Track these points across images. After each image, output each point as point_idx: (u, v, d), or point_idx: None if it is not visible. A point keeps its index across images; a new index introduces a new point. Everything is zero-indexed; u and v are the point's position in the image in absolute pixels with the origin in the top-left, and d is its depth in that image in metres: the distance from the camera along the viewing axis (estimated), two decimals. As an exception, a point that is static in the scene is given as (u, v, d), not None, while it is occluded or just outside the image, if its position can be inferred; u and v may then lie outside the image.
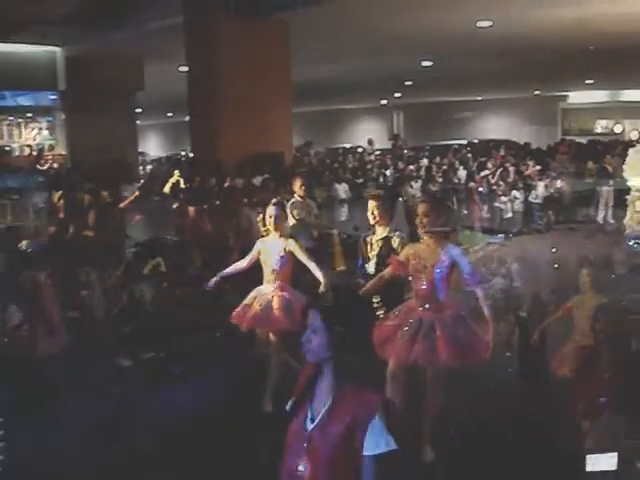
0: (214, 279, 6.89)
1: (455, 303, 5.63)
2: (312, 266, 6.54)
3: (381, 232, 6.56)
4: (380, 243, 6.52)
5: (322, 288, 6.29)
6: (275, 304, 6.54)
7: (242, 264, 6.87)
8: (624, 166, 14.68)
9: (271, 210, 6.68)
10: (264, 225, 6.81)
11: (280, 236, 6.67)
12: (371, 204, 6.58)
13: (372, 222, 6.61)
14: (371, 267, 6.48)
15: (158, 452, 6.03)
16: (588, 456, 4.17)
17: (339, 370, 2.76)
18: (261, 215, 7.33)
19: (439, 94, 33.51)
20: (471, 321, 5.51)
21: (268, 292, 6.66)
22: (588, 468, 4.13)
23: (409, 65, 22.30)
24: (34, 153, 21.60)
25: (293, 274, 6.83)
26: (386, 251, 6.34)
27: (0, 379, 6.80)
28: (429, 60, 21.58)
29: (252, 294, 6.76)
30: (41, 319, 7.21)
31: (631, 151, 14.24)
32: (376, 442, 2.60)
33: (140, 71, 21.68)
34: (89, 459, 5.91)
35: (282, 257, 6.61)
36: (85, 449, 6.11)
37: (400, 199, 12.13)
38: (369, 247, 6.60)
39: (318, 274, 6.45)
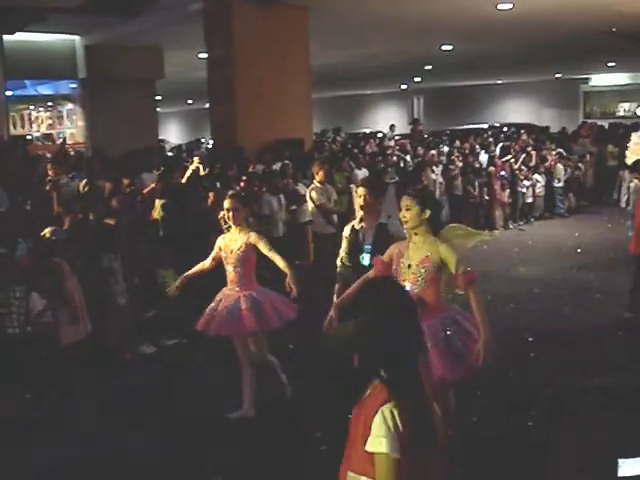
0: (177, 281, 6.53)
1: (445, 306, 5.07)
2: (277, 259, 6.20)
3: (372, 220, 6.10)
4: (373, 231, 6.07)
5: (288, 280, 6.06)
6: (242, 305, 6.20)
7: (206, 263, 6.51)
8: (627, 152, 14.38)
9: (227, 203, 6.30)
10: (224, 222, 6.41)
11: (240, 231, 6.31)
12: (361, 190, 6.12)
13: (361, 210, 6.14)
14: (366, 259, 5.97)
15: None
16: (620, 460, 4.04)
17: None
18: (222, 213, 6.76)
19: (459, 78, 33.29)
20: (465, 321, 4.99)
21: (232, 293, 6.32)
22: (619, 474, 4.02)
23: (429, 49, 22.16)
24: (58, 142, 21.72)
25: (257, 270, 6.44)
26: (382, 239, 5.83)
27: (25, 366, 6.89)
28: (449, 44, 21.42)
29: (217, 297, 6.42)
30: (64, 307, 7.28)
31: (634, 136, 13.79)
32: (371, 441, 2.57)
33: (160, 59, 21.67)
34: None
35: (243, 252, 6.24)
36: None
37: (391, 184, 11.69)
38: (361, 236, 6.14)
39: (284, 266, 6.15)
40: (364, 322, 2.71)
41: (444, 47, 21.82)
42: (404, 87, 36.53)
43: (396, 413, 2.56)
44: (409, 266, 4.96)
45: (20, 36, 19.11)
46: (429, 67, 27.57)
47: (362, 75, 29.12)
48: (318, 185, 11.05)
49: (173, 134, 46.78)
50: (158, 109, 26.08)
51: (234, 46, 14.62)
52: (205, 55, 16.02)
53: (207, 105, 17.00)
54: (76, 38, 21.54)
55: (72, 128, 23.68)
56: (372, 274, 5.20)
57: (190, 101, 40.13)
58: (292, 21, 15.31)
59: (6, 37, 17.85)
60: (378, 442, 2.55)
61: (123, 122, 20.34)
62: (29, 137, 22.27)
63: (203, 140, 35.51)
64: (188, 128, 48.66)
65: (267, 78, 14.79)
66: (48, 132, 24.16)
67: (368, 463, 2.59)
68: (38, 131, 24.23)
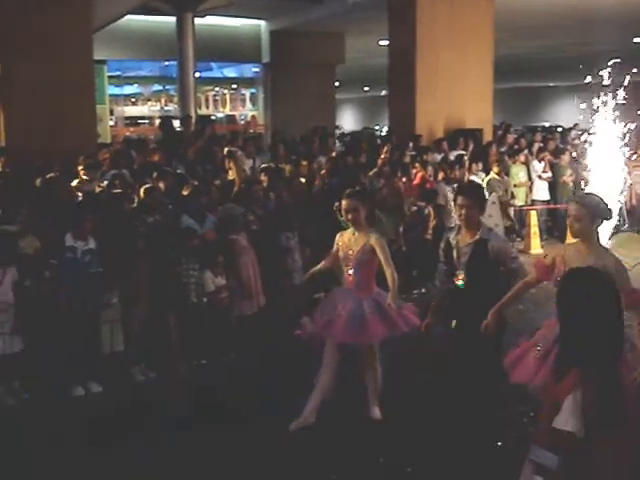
0: (306, 277, 6.42)
1: None
2: (388, 272, 5.59)
3: (470, 235, 5.50)
4: (472, 247, 5.46)
5: (388, 300, 5.54)
6: (367, 309, 5.65)
7: (327, 260, 6.12)
8: None
9: (344, 202, 5.79)
10: (345, 218, 5.84)
11: (359, 230, 5.78)
12: (461, 200, 5.52)
13: (460, 222, 5.60)
14: (460, 278, 5.48)
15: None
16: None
17: None
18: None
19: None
20: None
21: (351, 296, 5.77)
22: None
23: (619, 41, 21.16)
24: (240, 123, 22.56)
25: (376, 273, 5.85)
26: (481, 258, 5.38)
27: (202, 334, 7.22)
28: (641, 36, 20.40)
29: (330, 299, 5.98)
30: (239, 282, 7.56)
31: None
32: (559, 419, 2.75)
33: (341, 44, 21.97)
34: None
35: (363, 255, 5.71)
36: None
37: (493, 193, 10.91)
38: (455, 252, 5.56)
39: (391, 283, 5.57)
40: (573, 312, 2.84)
41: (636, 39, 20.77)
42: (589, 80, 35.09)
43: (589, 396, 2.72)
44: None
45: (210, 20, 19.98)
46: (617, 60, 26.31)
47: (544, 67, 28.27)
48: (495, 177, 10.84)
49: (348, 121, 47.28)
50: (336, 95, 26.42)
51: (417, 34, 14.55)
52: (386, 42, 16.05)
53: (383, 92, 17.06)
54: (262, 23, 22.23)
55: (254, 110, 24.48)
56: (532, 278, 5.00)
57: (366, 88, 40.41)
58: (478, 10, 15.05)
59: (197, 20, 18.69)
60: (565, 421, 2.74)
61: (302, 106, 20.79)
62: (213, 118, 23.20)
63: (377, 127, 35.68)
64: (363, 115, 49.05)
65: (449, 67, 14.62)
66: (231, 113, 25.10)
67: (554, 439, 2.77)
68: (222, 112, 25.23)
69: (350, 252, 5.77)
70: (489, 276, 5.40)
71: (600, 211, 4.70)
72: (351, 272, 5.79)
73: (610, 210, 4.75)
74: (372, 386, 6.00)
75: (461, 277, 5.49)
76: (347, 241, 5.84)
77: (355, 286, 5.79)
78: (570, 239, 5.17)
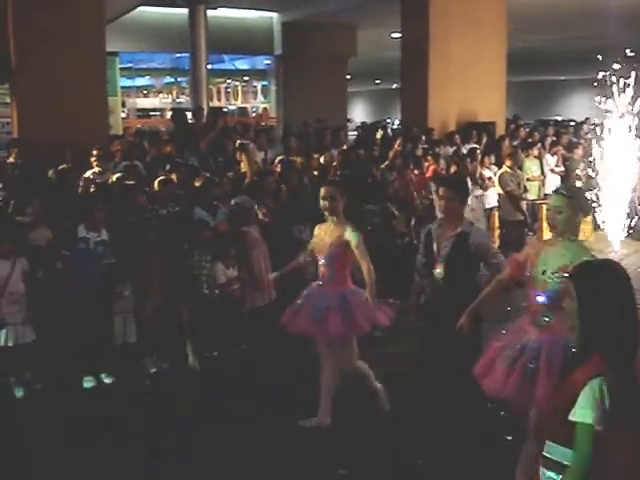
0: (285, 271, 6.17)
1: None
2: (364, 266, 5.42)
3: (451, 228, 5.38)
4: (453, 240, 5.33)
5: (366, 295, 5.38)
6: (330, 304, 5.49)
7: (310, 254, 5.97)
8: None
9: (322, 191, 5.60)
10: (322, 206, 5.65)
11: (336, 222, 5.58)
12: (443, 192, 5.40)
13: (442, 215, 5.54)
14: (439, 271, 5.33)
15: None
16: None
17: None
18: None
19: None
20: None
21: (320, 289, 5.66)
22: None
23: (631, 36, 21.03)
24: (252, 116, 22.57)
25: (352, 269, 5.70)
26: (461, 251, 5.25)
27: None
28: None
29: (305, 292, 5.78)
30: (251, 274, 7.55)
31: None
32: (576, 411, 2.67)
33: (353, 37, 21.92)
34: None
35: (335, 247, 5.52)
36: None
37: (476, 189, 10.77)
38: (435, 245, 5.43)
39: (368, 278, 5.39)
40: (589, 303, 2.79)
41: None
42: (603, 73, 34.90)
43: (605, 388, 2.65)
44: (543, 272, 4.30)
45: (222, 12, 19.96)
46: (632, 53, 26.17)
47: (557, 60, 28.13)
48: (508, 170, 10.79)
49: (359, 113, 47.18)
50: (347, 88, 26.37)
51: (430, 27, 14.50)
52: (398, 35, 15.98)
53: (395, 85, 16.99)
54: (274, 15, 22.17)
55: (265, 103, 24.46)
56: (505, 275, 4.77)
57: (378, 81, 40.31)
58: (490, 4, 14.98)
59: (210, 12, 18.66)
60: (583, 413, 2.65)
61: (314, 99, 20.73)
62: (225, 110, 23.22)
63: (388, 120, 35.57)
64: (374, 108, 48.94)
65: (461, 61, 14.56)
66: (243, 106, 25.10)
67: (569, 433, 2.69)
68: (234, 104, 25.24)
69: (323, 243, 5.64)
70: (468, 270, 5.32)
71: (582, 204, 4.50)
72: (322, 262, 5.65)
73: (591, 206, 4.61)
74: (325, 388, 5.78)
75: (439, 269, 5.37)
76: (323, 233, 5.70)
77: (328, 278, 5.63)
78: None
